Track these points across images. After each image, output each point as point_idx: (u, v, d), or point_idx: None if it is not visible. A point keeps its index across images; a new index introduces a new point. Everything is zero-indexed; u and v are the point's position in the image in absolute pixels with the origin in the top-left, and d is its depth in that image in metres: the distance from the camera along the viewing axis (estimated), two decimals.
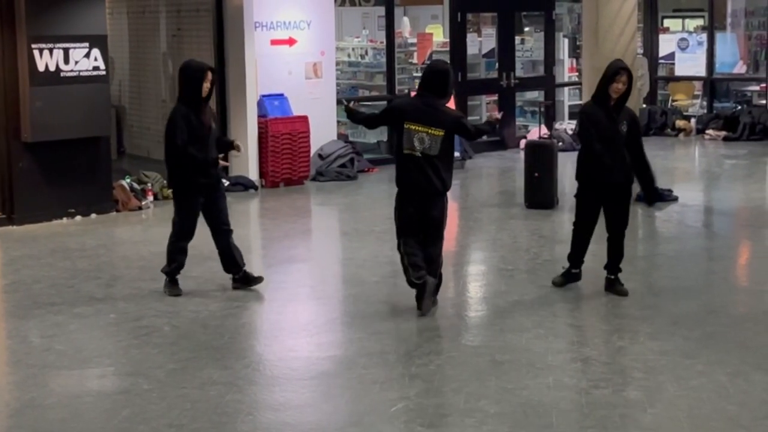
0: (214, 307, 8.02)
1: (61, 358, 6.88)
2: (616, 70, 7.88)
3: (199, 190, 8.17)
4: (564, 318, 7.58)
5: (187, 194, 8.20)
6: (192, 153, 8.00)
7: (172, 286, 8.36)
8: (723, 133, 17.28)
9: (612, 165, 7.86)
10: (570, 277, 8.31)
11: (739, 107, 18.52)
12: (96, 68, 11.36)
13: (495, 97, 16.89)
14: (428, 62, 7.70)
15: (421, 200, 7.60)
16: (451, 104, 14.77)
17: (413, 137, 7.51)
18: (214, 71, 8.23)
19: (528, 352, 6.81)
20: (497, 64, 16.74)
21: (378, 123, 8.26)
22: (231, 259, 8.41)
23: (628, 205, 8.09)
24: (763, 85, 17.83)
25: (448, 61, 16.21)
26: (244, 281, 8.45)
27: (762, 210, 11.87)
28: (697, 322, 7.41)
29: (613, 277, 8.14)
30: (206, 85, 8.06)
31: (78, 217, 11.46)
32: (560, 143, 15.51)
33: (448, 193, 7.71)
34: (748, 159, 15.29)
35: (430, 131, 7.49)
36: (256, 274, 8.52)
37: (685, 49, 19.19)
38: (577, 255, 8.28)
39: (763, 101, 17.71)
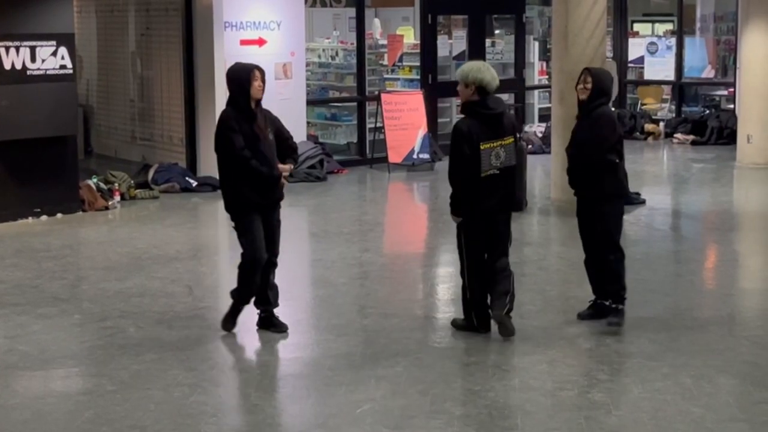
0: (180, 308, 7.97)
1: (25, 358, 6.81)
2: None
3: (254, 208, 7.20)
4: (530, 320, 7.58)
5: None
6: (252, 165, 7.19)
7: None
8: (691, 137, 17.39)
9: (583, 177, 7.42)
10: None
11: (708, 111, 18.65)
12: (63, 67, 11.28)
13: None
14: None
15: (496, 218, 7.18)
16: (420, 105, 15.01)
17: (490, 156, 7.03)
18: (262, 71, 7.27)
19: (494, 354, 6.81)
20: None
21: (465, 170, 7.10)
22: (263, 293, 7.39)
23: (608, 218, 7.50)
24: (731, 89, 17.95)
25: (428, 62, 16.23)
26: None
27: (729, 213, 11.95)
28: (662, 325, 7.44)
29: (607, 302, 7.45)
30: (256, 84, 7.15)
31: (44, 217, 11.36)
32: (530, 146, 15.57)
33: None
34: (716, 163, 15.39)
35: (503, 143, 7.07)
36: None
37: (654, 53, 19.31)
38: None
39: (731, 105, 17.83)
